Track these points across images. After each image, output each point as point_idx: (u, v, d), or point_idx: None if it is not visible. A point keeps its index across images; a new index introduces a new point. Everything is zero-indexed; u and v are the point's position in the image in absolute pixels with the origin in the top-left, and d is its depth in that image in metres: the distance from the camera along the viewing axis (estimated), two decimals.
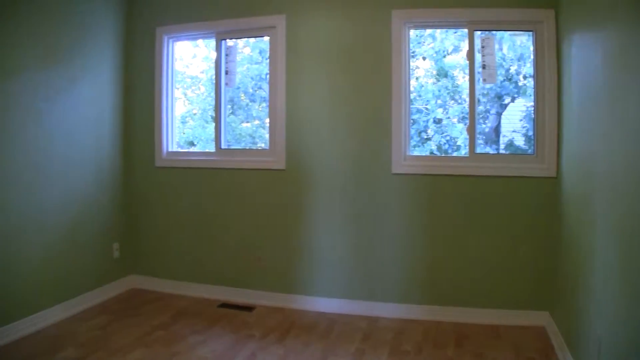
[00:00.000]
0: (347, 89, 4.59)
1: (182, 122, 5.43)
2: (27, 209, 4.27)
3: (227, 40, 5.05)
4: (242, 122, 5.24)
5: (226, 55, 5.02)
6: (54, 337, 4.18)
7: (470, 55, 4.40)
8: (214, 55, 5.18)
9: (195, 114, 5.54)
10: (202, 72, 5.46)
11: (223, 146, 5.10)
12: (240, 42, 5.06)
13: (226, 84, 5.05)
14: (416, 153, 4.89)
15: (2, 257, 4.06)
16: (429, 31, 5.14)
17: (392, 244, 4.55)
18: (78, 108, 4.74)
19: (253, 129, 5.23)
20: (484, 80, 4.40)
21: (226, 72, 5.02)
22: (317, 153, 4.68)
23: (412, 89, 4.58)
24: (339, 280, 4.69)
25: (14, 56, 4.10)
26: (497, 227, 4.36)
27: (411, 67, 4.57)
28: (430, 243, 4.48)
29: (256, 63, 5.15)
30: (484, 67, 4.36)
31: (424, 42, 4.99)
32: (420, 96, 4.98)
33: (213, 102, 5.30)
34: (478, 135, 4.43)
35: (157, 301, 5.06)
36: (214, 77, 5.23)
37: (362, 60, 4.54)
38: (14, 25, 4.10)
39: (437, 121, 5.09)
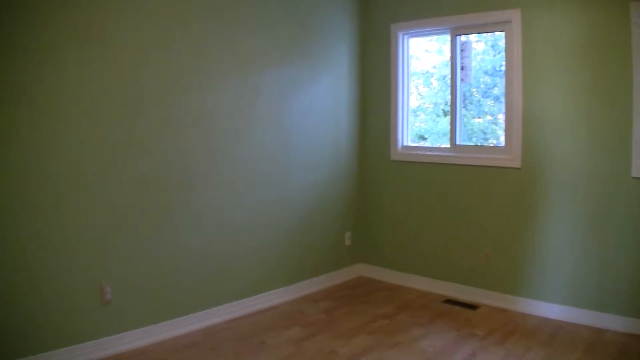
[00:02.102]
0: (585, 86, 4.51)
1: (413, 116, 5.74)
2: (272, 197, 5.06)
3: (461, 35, 5.25)
4: (474, 117, 5.39)
5: (461, 50, 5.22)
6: (285, 314, 4.88)
7: None
8: (446, 49, 5.43)
9: (427, 108, 5.81)
10: (434, 67, 5.69)
11: (458, 142, 5.33)
12: (472, 37, 5.20)
13: (462, 79, 5.26)
14: None
15: (249, 240, 4.89)
16: None
17: (627, 252, 4.39)
18: (318, 101, 5.45)
19: (485, 125, 5.36)
20: None
21: (461, 68, 5.22)
22: (553, 152, 4.68)
23: None
24: (566, 286, 4.67)
25: (268, 55, 4.92)
26: None
27: None
28: None
29: (489, 60, 5.25)
30: None
31: None
32: None
33: (445, 97, 5.55)
34: None
35: (383, 291, 5.51)
36: (444, 71, 5.49)
37: (601, 55, 4.42)
38: (268, 31, 4.91)
39: None
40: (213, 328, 4.50)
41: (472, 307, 5.02)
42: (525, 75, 4.78)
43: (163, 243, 4.25)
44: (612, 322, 4.45)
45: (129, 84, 3.97)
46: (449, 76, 5.33)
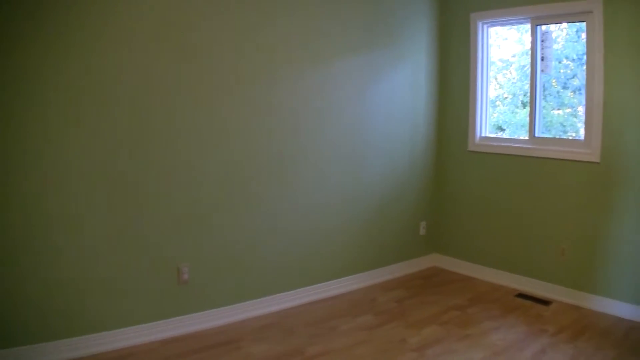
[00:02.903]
0: None
1: (491, 107, 5.72)
2: (349, 185, 5.22)
3: (542, 25, 5.18)
4: (553, 109, 5.32)
5: (542, 41, 5.15)
6: (357, 301, 5.05)
7: None
8: (526, 38, 5.38)
9: (506, 98, 5.77)
10: (513, 56, 5.64)
11: (537, 134, 5.29)
12: (552, 26, 5.13)
13: (542, 70, 5.20)
14: None
15: (325, 228, 5.09)
16: None
17: None
18: (396, 89, 5.55)
19: (564, 117, 5.27)
20: None
21: (542, 59, 5.16)
22: (634, 148, 4.57)
23: None
24: None
25: (347, 45, 5.05)
26: None
27: None
28: None
29: (571, 46, 5.14)
30: None
31: None
32: None
33: (524, 87, 5.51)
34: None
35: (456, 282, 5.59)
36: (523, 60, 5.48)
37: None
38: (346, 22, 5.03)
39: None
40: (288, 311, 4.73)
41: (544, 302, 5.02)
42: (607, 67, 4.67)
43: (240, 228, 4.49)
44: None
45: (214, 77, 4.20)
46: (529, 66, 5.28)
